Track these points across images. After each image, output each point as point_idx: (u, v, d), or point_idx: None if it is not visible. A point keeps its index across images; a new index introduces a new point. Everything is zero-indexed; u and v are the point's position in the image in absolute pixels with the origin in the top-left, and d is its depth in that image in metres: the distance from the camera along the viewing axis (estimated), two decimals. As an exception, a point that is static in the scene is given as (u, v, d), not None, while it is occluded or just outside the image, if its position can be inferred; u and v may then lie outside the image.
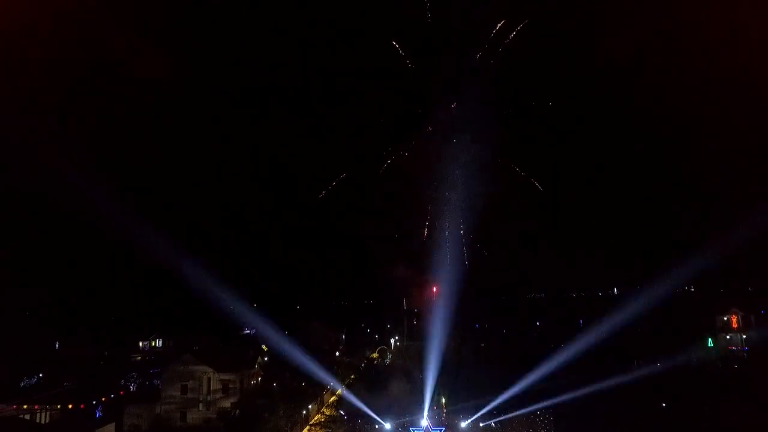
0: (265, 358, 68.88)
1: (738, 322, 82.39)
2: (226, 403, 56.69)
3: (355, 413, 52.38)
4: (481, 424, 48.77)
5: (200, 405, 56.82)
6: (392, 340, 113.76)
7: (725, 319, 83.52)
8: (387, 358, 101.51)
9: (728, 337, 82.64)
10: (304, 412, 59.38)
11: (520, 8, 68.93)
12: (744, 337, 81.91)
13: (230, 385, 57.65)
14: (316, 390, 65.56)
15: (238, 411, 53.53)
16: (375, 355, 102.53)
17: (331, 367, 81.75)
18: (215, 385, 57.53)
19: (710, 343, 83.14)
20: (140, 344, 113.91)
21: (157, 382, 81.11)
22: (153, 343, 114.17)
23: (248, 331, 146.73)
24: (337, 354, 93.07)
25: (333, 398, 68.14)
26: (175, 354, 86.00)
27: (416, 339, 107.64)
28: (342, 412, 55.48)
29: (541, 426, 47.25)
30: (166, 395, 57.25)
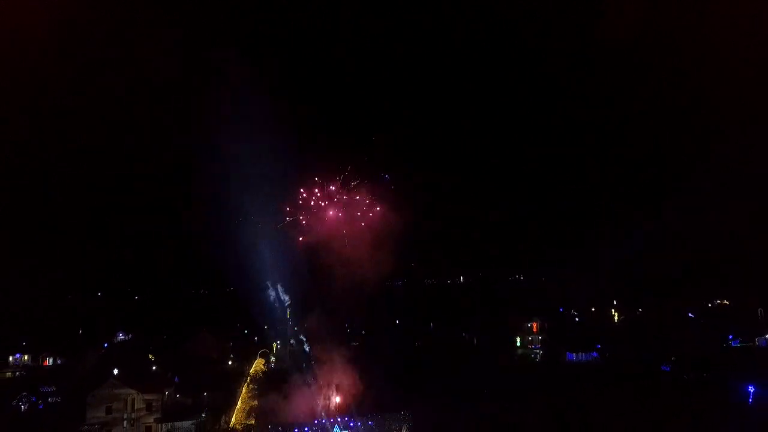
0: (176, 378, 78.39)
1: (537, 327, 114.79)
2: (150, 420, 66.88)
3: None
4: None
5: (125, 422, 66.13)
6: (274, 345, 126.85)
7: (528, 325, 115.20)
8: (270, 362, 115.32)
9: (530, 338, 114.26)
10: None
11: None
12: (540, 338, 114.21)
13: (153, 404, 67.73)
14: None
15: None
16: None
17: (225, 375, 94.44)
18: (139, 404, 67.11)
19: (519, 342, 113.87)
20: (9, 359, 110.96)
21: (52, 399, 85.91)
22: (25, 358, 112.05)
23: (122, 337, 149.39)
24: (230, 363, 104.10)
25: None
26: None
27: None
28: None
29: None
30: (91, 416, 65.33)
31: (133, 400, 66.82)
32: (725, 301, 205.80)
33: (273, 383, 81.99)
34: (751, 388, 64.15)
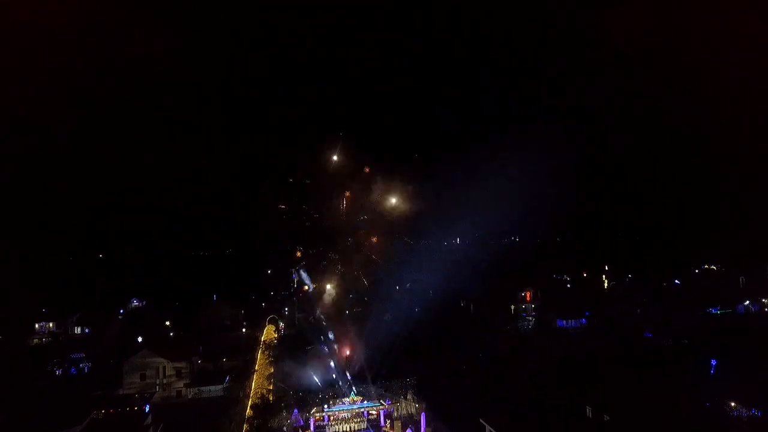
0: (200, 347, 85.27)
1: (530, 296, 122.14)
2: (180, 385, 74.15)
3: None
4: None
5: (157, 387, 73.39)
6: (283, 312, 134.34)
7: (522, 294, 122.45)
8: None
9: (523, 306, 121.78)
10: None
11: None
12: (533, 306, 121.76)
13: (182, 371, 74.86)
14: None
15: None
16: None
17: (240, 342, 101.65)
18: (169, 371, 74.23)
19: (513, 310, 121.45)
20: (36, 326, 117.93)
21: (83, 365, 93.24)
22: (50, 326, 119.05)
23: (136, 303, 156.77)
24: (243, 330, 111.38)
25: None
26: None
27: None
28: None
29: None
30: (128, 382, 72.52)
31: (164, 367, 73.89)
32: (713, 266, 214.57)
33: (287, 350, 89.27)
34: (713, 362, 71.31)
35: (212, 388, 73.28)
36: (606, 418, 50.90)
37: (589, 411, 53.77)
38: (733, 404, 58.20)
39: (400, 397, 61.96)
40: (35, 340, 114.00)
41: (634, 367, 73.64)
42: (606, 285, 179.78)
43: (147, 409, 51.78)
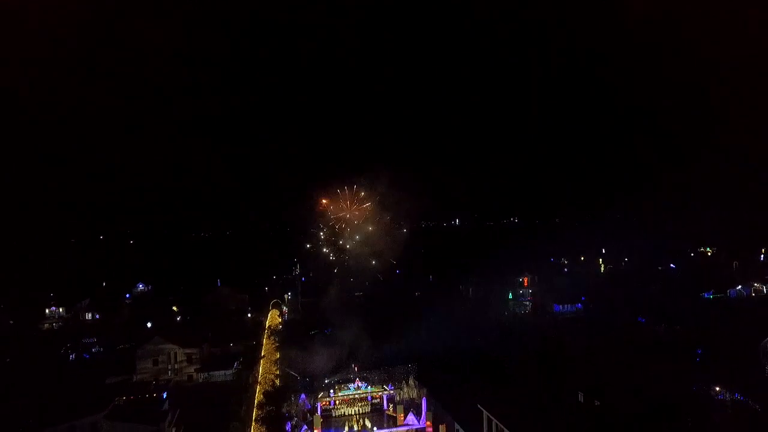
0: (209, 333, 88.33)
1: (528, 281, 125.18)
2: (191, 370, 77.37)
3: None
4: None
5: (169, 372, 76.63)
6: (285, 296, 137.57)
7: (520, 279, 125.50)
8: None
9: (520, 291, 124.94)
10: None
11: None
12: (530, 291, 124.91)
13: (193, 356, 78.02)
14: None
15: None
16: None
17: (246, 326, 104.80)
18: (181, 357, 77.37)
19: (510, 295, 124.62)
20: (46, 311, 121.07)
21: (95, 350, 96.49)
22: (60, 310, 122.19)
23: (142, 287, 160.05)
24: (249, 315, 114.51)
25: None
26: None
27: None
28: None
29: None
30: (141, 367, 75.72)
31: (175, 353, 77.01)
32: (708, 250, 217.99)
33: (293, 336, 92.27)
34: (698, 351, 74.50)
35: (222, 372, 76.49)
36: (596, 402, 54.02)
37: (581, 396, 56.88)
38: (718, 389, 61.52)
39: (402, 383, 65.04)
40: (46, 325, 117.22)
41: (626, 353, 76.92)
42: (603, 269, 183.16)
43: (164, 396, 54.79)
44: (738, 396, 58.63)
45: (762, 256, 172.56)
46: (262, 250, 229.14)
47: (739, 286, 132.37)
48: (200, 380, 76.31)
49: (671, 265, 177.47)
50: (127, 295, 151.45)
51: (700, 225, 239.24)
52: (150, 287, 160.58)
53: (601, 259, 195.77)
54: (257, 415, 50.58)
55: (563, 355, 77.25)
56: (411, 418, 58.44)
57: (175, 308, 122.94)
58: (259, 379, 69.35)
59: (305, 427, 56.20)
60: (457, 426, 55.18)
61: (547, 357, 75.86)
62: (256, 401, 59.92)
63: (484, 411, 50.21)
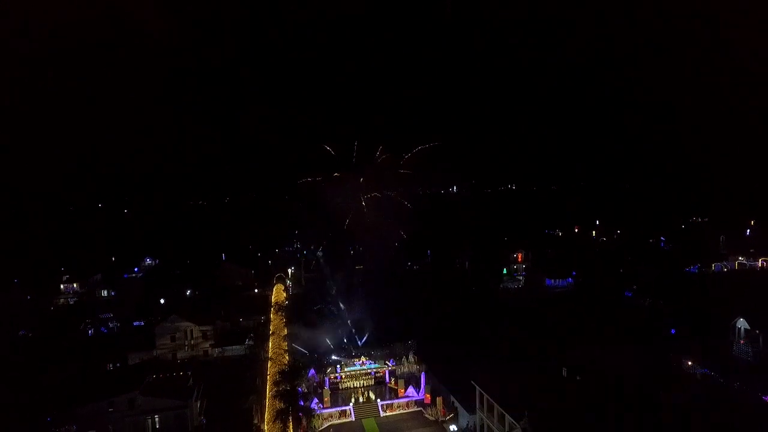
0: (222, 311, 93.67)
1: (521, 257, 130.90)
2: (206, 345, 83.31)
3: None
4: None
5: (186, 348, 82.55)
6: (288, 270, 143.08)
7: (514, 255, 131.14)
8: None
9: (515, 266, 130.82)
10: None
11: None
12: (524, 266, 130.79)
13: (207, 333, 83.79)
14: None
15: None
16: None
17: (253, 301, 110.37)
18: (196, 334, 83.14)
19: (505, 271, 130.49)
20: (61, 287, 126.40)
21: (112, 325, 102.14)
22: (74, 286, 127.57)
23: (149, 262, 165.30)
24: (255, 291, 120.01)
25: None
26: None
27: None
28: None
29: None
30: (160, 343, 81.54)
31: (191, 330, 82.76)
32: (699, 219, 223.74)
33: (299, 312, 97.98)
34: (672, 331, 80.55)
35: (235, 347, 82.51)
36: (578, 378, 59.90)
37: (564, 371, 62.81)
38: (690, 363, 67.71)
39: (402, 358, 71.00)
40: (62, 300, 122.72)
41: (609, 327, 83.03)
42: (595, 241, 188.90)
43: (189, 373, 60.57)
44: (706, 371, 64.76)
45: (748, 231, 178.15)
46: (263, 220, 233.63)
47: (724, 261, 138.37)
48: (215, 355, 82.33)
49: (662, 237, 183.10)
50: (136, 269, 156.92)
51: (694, 195, 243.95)
52: (157, 261, 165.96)
53: (594, 232, 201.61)
54: (274, 391, 56.24)
55: (550, 332, 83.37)
56: (411, 390, 64.66)
57: (185, 284, 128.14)
58: (270, 355, 75.07)
59: (315, 399, 62.31)
60: (452, 398, 61.36)
61: (535, 334, 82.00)
62: (269, 377, 65.76)
63: (477, 387, 56.00)
